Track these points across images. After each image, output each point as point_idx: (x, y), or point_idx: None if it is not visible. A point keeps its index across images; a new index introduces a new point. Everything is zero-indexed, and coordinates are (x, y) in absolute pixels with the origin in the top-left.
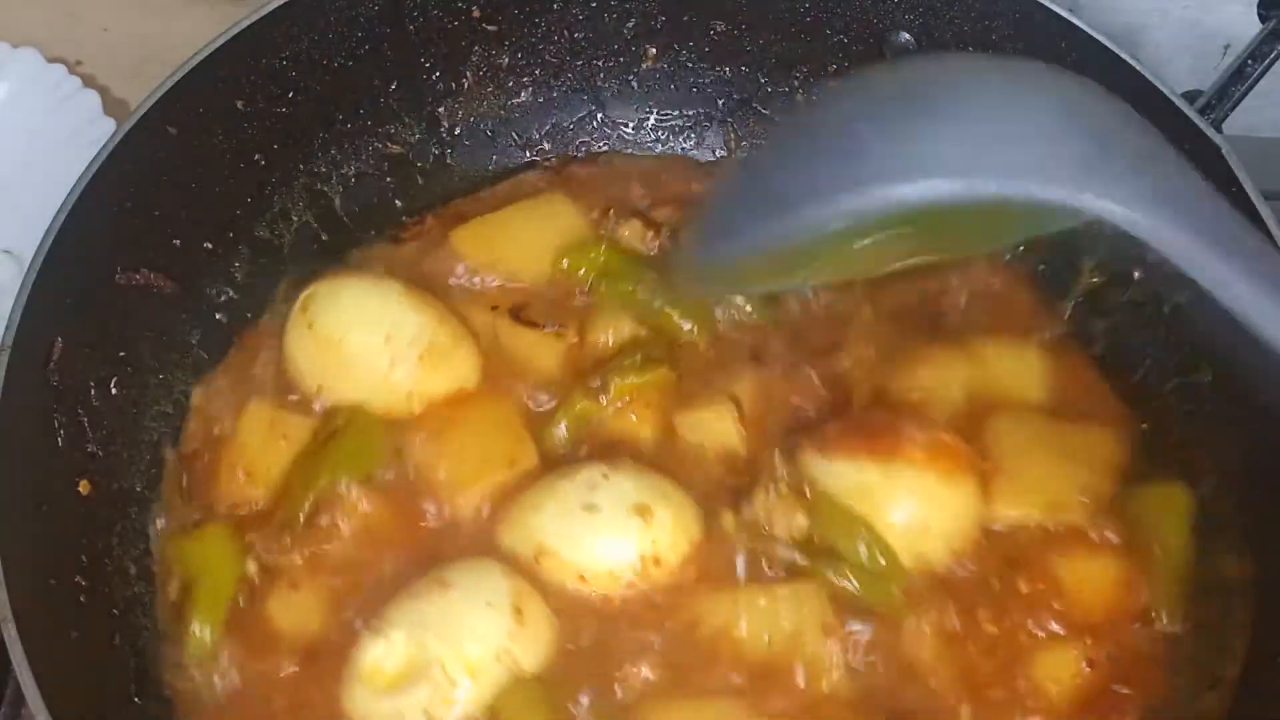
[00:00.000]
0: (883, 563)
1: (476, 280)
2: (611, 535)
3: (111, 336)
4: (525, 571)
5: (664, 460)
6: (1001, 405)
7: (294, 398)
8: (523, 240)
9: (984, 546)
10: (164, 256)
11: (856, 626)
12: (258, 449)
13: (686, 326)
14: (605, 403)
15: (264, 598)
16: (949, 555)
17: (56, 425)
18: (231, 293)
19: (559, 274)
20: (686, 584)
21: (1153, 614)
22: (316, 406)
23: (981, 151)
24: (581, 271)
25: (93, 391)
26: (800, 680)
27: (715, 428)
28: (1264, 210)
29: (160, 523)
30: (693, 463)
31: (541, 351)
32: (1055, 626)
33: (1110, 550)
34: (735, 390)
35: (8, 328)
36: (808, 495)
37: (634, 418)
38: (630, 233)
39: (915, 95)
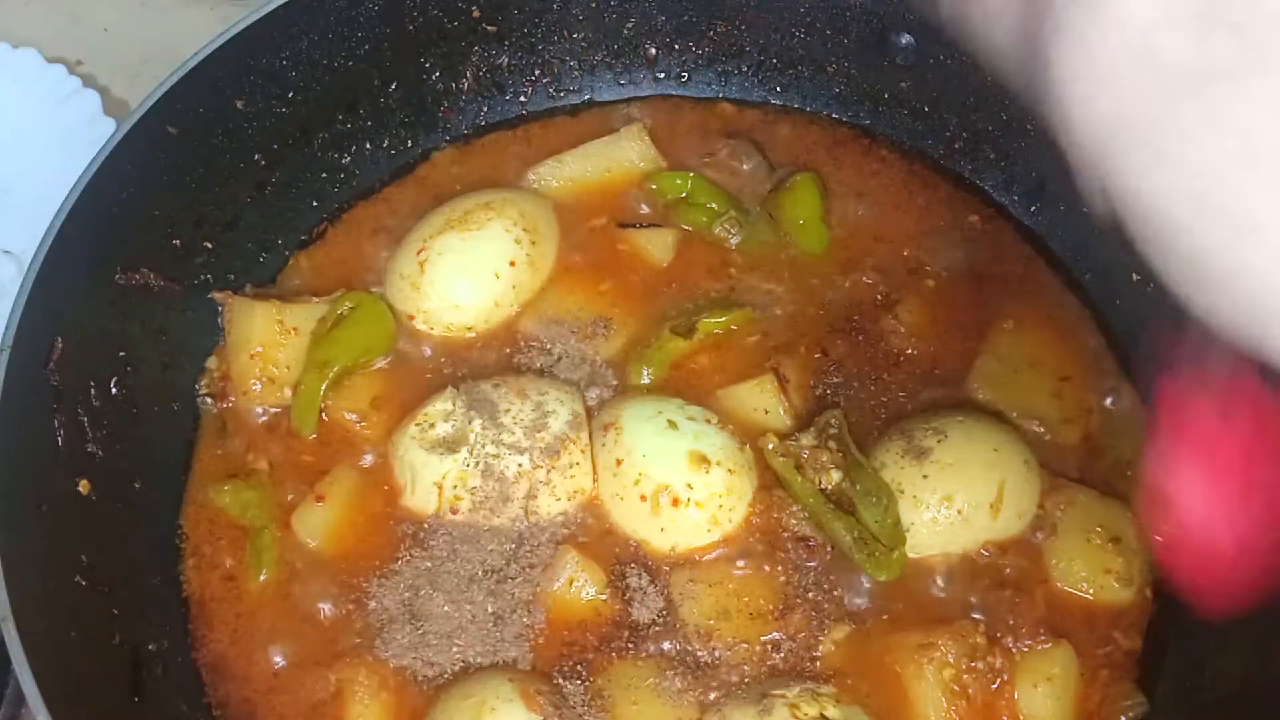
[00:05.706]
0: (893, 531)
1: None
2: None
3: (111, 336)
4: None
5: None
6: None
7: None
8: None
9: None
10: (164, 256)
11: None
12: (271, 347)
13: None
14: (693, 341)
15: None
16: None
17: (56, 425)
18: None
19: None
20: None
21: None
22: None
23: None
24: (667, 196)
25: (93, 391)
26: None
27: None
28: None
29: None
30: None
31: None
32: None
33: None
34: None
35: (8, 328)
36: (854, 456)
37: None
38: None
39: None
